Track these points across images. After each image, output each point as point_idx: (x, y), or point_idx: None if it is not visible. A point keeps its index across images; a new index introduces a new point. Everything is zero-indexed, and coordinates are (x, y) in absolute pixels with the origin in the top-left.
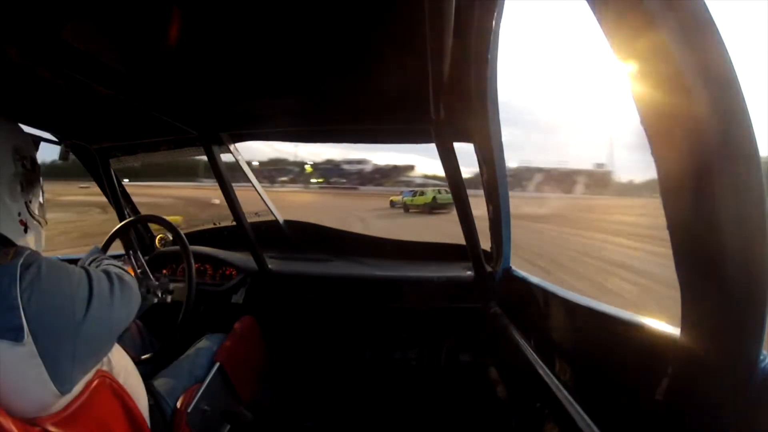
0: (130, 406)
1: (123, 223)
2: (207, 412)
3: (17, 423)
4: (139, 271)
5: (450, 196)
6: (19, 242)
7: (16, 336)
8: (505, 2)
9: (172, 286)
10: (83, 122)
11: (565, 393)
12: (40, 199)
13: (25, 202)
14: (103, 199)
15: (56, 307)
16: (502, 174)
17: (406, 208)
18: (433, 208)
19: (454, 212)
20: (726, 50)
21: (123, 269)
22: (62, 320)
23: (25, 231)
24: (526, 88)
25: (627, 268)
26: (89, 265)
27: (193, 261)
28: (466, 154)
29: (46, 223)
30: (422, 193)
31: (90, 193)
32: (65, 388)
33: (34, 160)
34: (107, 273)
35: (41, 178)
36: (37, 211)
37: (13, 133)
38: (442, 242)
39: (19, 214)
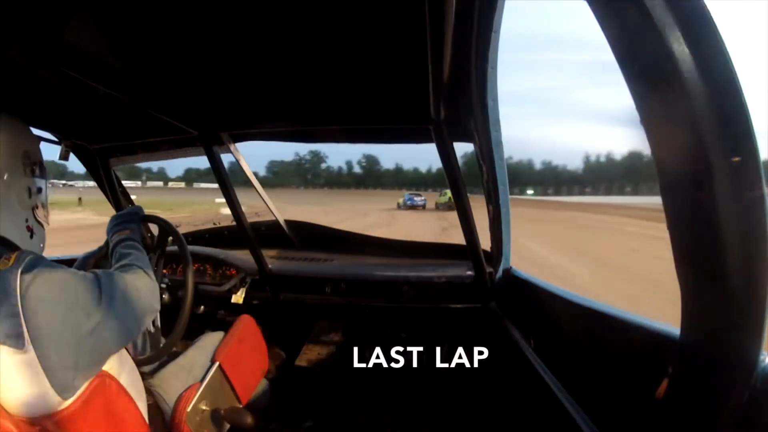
0: (130, 405)
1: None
2: (206, 411)
3: (17, 422)
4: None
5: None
6: (25, 247)
7: (16, 343)
8: (505, 2)
9: (167, 277)
10: (83, 122)
11: (565, 393)
12: (45, 202)
13: (32, 208)
14: None
15: (59, 315)
16: (502, 174)
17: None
18: (450, 207)
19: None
20: (726, 50)
21: (142, 267)
22: (66, 329)
23: (31, 237)
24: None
25: None
26: (114, 241)
27: (191, 261)
28: None
29: (48, 224)
30: (444, 194)
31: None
32: (66, 394)
33: (42, 165)
34: (123, 278)
35: (46, 182)
36: (42, 216)
37: (24, 137)
38: (442, 242)
39: (26, 221)
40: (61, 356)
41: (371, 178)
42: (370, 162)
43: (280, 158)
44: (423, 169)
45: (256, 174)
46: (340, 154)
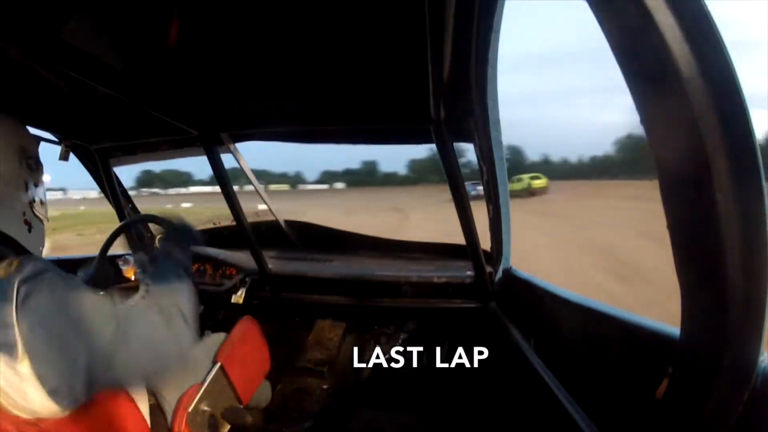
0: (131, 405)
1: (123, 222)
2: (207, 412)
3: (16, 422)
4: (140, 270)
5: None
6: (23, 242)
7: (10, 352)
8: (505, 2)
9: None
10: (84, 122)
11: (565, 393)
12: (43, 198)
13: (29, 202)
14: None
15: (56, 332)
16: (502, 174)
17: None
18: (532, 193)
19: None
20: (726, 50)
21: (182, 311)
22: (65, 351)
23: (29, 230)
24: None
25: None
26: (161, 264)
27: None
28: None
29: (48, 220)
30: (520, 180)
31: None
32: (67, 404)
33: (37, 159)
34: (151, 319)
35: (43, 177)
36: (40, 210)
37: (19, 133)
38: (442, 242)
39: (24, 214)
40: (60, 376)
41: (516, 170)
42: (514, 153)
43: (418, 157)
44: (573, 159)
45: (395, 174)
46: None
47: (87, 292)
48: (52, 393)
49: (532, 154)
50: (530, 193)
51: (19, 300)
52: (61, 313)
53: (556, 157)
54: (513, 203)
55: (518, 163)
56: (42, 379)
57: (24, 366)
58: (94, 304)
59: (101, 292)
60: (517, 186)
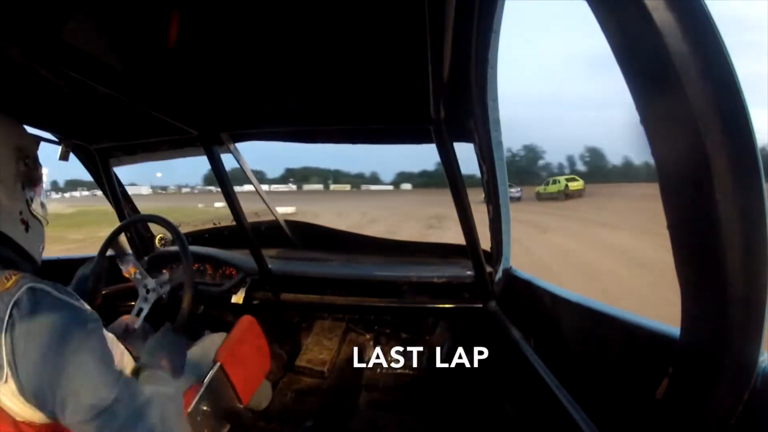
0: None
1: (123, 222)
2: (207, 412)
3: (13, 423)
4: (137, 271)
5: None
6: (21, 242)
7: None
8: (506, 2)
9: (167, 277)
10: (84, 122)
11: (565, 393)
12: (42, 198)
13: (26, 201)
14: None
15: (46, 361)
16: (502, 174)
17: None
18: (568, 195)
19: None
20: (726, 49)
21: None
22: (53, 378)
23: (27, 230)
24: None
25: None
26: (144, 364)
27: (192, 261)
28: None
29: (47, 222)
30: (556, 182)
31: None
32: (54, 416)
33: (36, 158)
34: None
35: (43, 177)
36: (38, 210)
37: (15, 132)
38: (442, 242)
39: (21, 213)
40: (50, 397)
41: (597, 174)
42: (595, 157)
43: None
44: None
45: (473, 176)
46: (559, 150)
47: (78, 316)
48: (44, 408)
49: (615, 158)
50: (566, 195)
51: (11, 322)
52: (48, 336)
53: (638, 160)
54: (551, 206)
55: (599, 168)
56: (31, 400)
57: (10, 386)
58: (82, 329)
59: (93, 312)
60: (553, 188)
